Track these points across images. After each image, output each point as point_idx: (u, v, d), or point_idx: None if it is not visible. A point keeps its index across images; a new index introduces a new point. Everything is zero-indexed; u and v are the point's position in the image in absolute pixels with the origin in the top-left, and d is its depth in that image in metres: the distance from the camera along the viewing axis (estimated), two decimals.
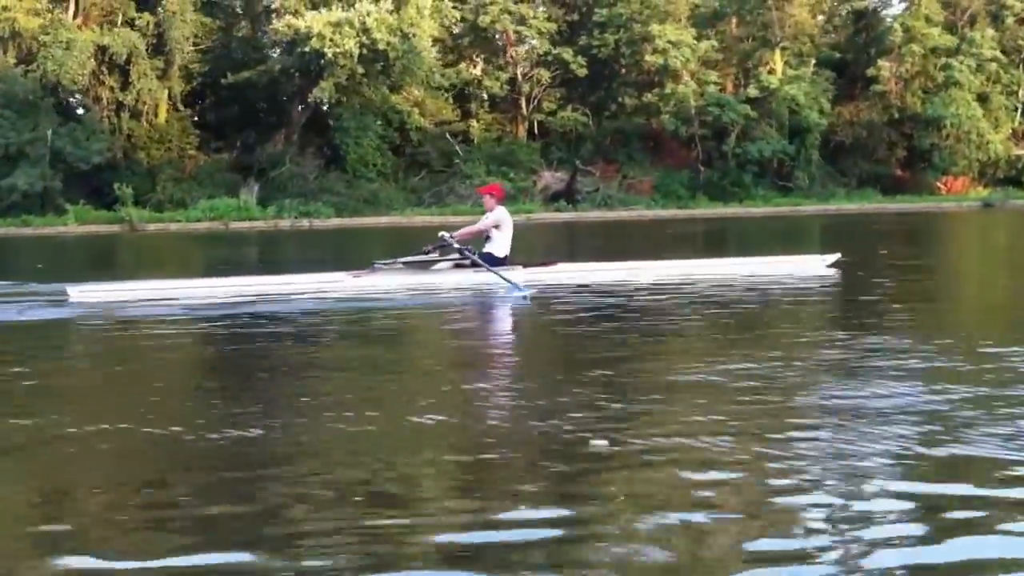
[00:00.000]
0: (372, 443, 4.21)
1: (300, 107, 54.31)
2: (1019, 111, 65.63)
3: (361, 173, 56.83)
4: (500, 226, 11.85)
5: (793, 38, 62.41)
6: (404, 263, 11.85)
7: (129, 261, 25.29)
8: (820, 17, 62.93)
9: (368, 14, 50.41)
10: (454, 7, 60.87)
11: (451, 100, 62.53)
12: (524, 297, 10.19)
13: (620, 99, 60.91)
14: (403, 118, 58.11)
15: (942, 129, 60.26)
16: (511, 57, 61.82)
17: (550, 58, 61.78)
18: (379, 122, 56.76)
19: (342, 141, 54.56)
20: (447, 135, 60.22)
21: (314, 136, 57.28)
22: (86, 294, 10.81)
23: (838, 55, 64.08)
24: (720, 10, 63.04)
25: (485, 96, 62.93)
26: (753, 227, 35.88)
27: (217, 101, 59.77)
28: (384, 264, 11.78)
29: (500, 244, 11.82)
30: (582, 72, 61.47)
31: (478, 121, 63.00)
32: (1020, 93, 65.47)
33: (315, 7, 51.79)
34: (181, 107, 58.23)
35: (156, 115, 56.32)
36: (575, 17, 63.59)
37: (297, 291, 11.11)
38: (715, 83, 60.32)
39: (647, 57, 58.70)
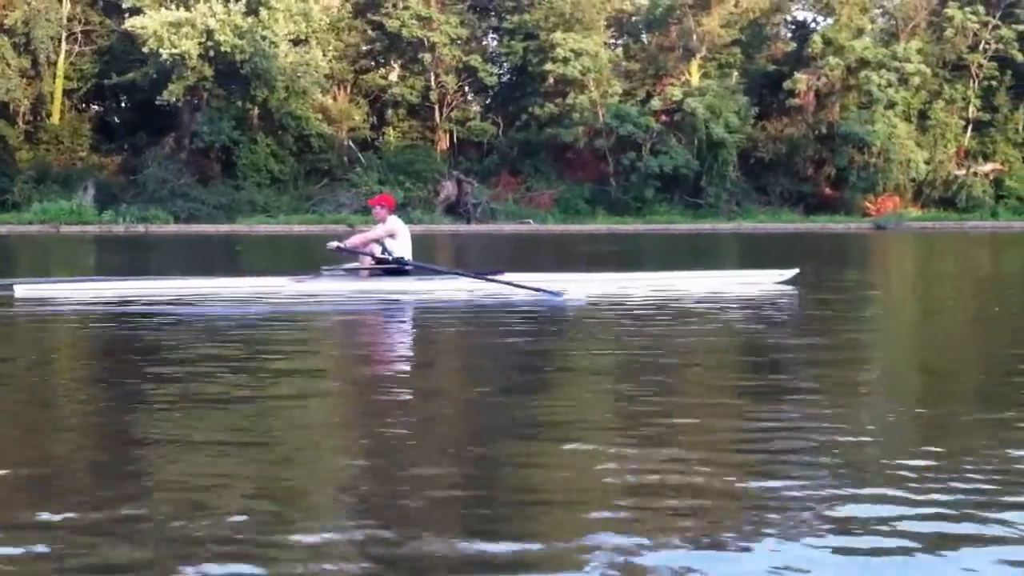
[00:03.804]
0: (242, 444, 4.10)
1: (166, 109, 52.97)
2: (968, 129, 61.58)
3: (254, 179, 55.63)
4: (395, 235, 11.57)
5: (714, 50, 59.55)
6: (346, 269, 11.80)
7: None
8: (738, 28, 59.48)
9: (212, 15, 49.04)
10: (360, 12, 59.81)
11: (366, 107, 61.01)
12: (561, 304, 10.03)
13: (530, 109, 58.56)
14: (300, 124, 56.69)
15: (862, 147, 56.66)
16: (424, 64, 60.03)
17: (460, 65, 59.92)
18: (260, 127, 55.35)
19: (207, 142, 53.10)
20: (349, 142, 58.67)
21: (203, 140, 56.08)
22: (32, 291, 10.74)
23: (772, 67, 60.90)
24: (638, 19, 60.47)
25: (404, 104, 61.16)
26: (616, 244, 33.14)
27: (116, 103, 59.19)
28: (329, 270, 11.72)
29: (401, 253, 11.55)
30: (491, 80, 59.57)
31: (393, 129, 61.44)
32: (970, 109, 61.46)
33: (162, 6, 50.53)
34: (83, 108, 57.83)
35: (49, 116, 55.89)
36: (492, 23, 61.63)
37: (236, 295, 10.79)
38: (621, 94, 57.84)
39: (547, 66, 56.43)
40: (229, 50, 50.09)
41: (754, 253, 26.74)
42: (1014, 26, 59.48)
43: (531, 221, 53.52)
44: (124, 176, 55.36)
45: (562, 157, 59.17)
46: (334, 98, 59.96)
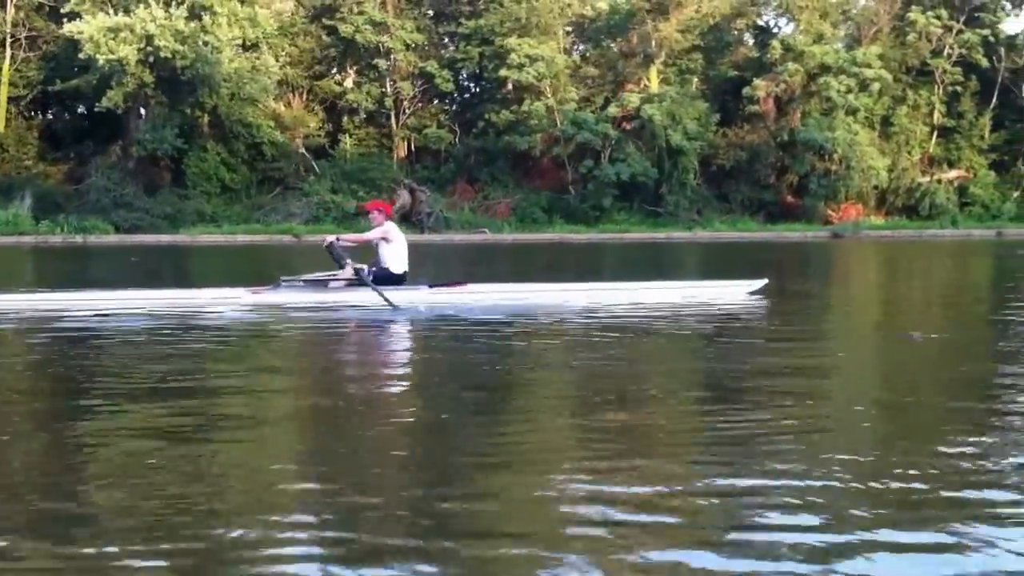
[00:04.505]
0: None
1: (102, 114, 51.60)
2: (933, 135, 60.65)
3: (203, 188, 54.45)
4: (390, 239, 11.62)
5: (673, 56, 58.53)
6: (306, 281, 11.63)
7: None
8: (698, 33, 58.47)
9: (152, 20, 47.81)
10: (315, 17, 58.71)
11: (321, 114, 59.81)
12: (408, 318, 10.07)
13: (487, 116, 57.43)
14: (252, 132, 55.50)
15: (823, 154, 55.60)
16: (379, 70, 58.85)
17: (416, 72, 58.80)
18: (211, 135, 54.15)
19: (149, 150, 51.75)
20: (303, 150, 57.48)
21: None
22: None
23: (734, 73, 59.79)
24: (599, 24, 59.41)
25: (360, 110, 59.94)
26: (566, 253, 32.34)
27: (64, 110, 57.89)
28: (288, 281, 11.59)
29: (395, 260, 11.65)
30: (448, 87, 58.46)
31: (350, 136, 60.27)
32: (935, 116, 60.53)
33: (101, 11, 49.25)
34: (30, 115, 56.53)
35: None
36: (450, 28, 60.49)
37: (190, 306, 10.79)
38: (579, 101, 56.80)
39: (502, 72, 55.35)
40: (170, 56, 48.85)
41: (705, 263, 26.32)
42: (978, 30, 58.60)
43: (487, 230, 52.42)
44: (70, 184, 54.11)
45: (521, 165, 58.09)
46: (287, 105, 58.86)
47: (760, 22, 60.70)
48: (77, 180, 54.10)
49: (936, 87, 60.25)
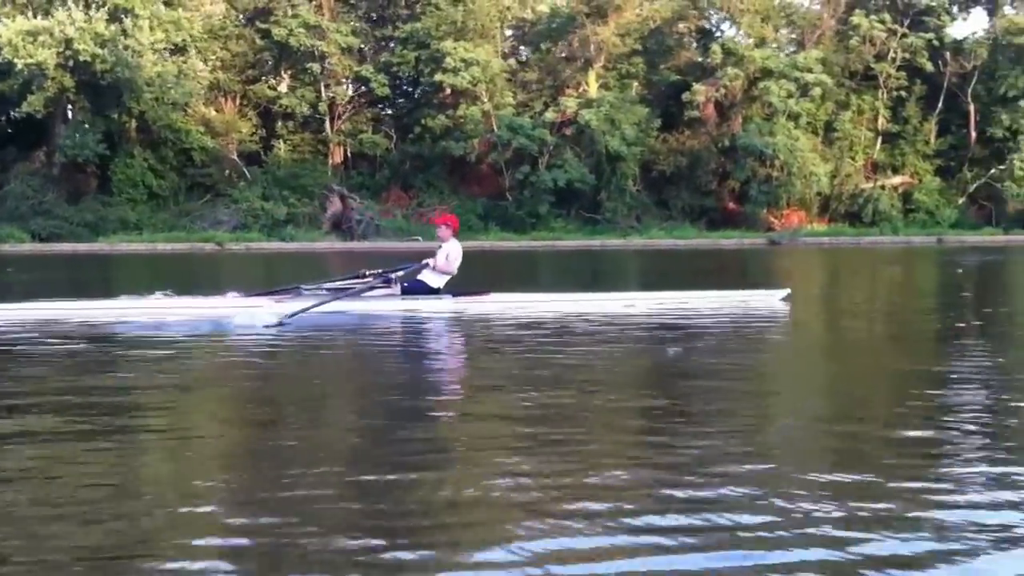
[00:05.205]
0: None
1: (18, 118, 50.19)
2: (878, 141, 59.81)
3: (128, 195, 53.04)
4: (450, 259, 11.57)
5: (613, 60, 57.50)
6: (329, 288, 11.41)
7: None
8: (637, 37, 57.45)
9: (71, 24, 46.42)
10: (250, 20, 57.47)
11: (255, 119, 58.43)
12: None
13: (423, 121, 56.25)
14: (181, 137, 54.11)
15: (764, 160, 54.66)
16: (314, 75, 57.55)
17: (351, 76, 57.58)
18: (138, 140, 52.74)
19: (69, 156, 50.30)
20: (235, 156, 56.13)
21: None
22: None
23: (677, 78, 58.68)
24: (540, 28, 58.34)
25: (296, 116, 58.59)
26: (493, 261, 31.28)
27: None
28: (309, 289, 11.35)
29: (439, 276, 11.56)
30: (383, 91, 57.22)
31: (284, 142, 58.94)
32: (879, 121, 59.69)
33: (20, 14, 47.83)
34: None
35: None
36: (386, 32, 59.25)
37: (214, 315, 10.41)
38: (517, 106, 55.72)
39: (437, 76, 54.17)
40: (89, 59, 47.45)
41: (625, 273, 25.58)
42: (923, 35, 57.84)
43: (419, 238, 50.97)
44: None
45: (458, 171, 56.94)
46: (219, 110, 57.42)
47: (704, 25, 59.60)
48: None
49: (881, 92, 59.44)
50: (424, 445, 4.51)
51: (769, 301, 12.17)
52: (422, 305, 11.13)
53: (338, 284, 11.54)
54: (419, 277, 11.50)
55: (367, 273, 11.50)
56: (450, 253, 11.52)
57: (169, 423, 5.08)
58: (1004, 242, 49.33)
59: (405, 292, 11.29)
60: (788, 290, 12.67)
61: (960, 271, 22.83)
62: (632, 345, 8.70)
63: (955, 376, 6.52)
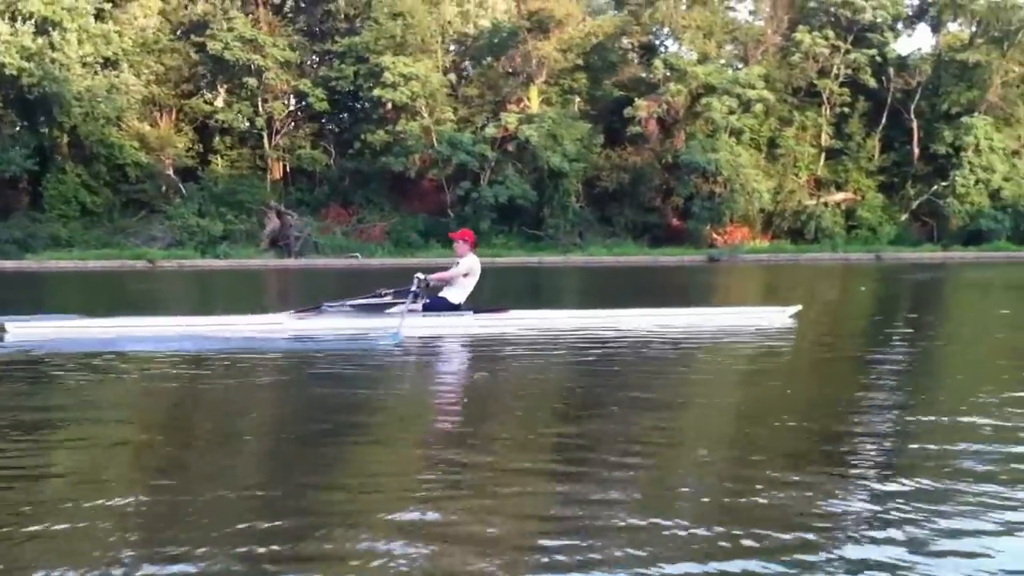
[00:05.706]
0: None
1: None
2: (821, 157, 59.60)
3: (60, 211, 51.77)
4: (468, 274, 11.63)
5: (554, 75, 56.93)
6: (352, 305, 11.59)
7: None
8: (579, 52, 56.94)
9: None
10: (185, 33, 56.40)
11: (191, 134, 57.28)
12: (397, 344, 10.08)
13: (363, 136, 55.35)
14: (114, 153, 52.91)
15: (707, 177, 54.22)
16: (251, 89, 56.49)
17: (289, 91, 56.63)
18: (70, 156, 51.48)
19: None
20: (170, 172, 54.97)
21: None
22: (23, 329, 10.81)
23: (620, 93, 58.16)
24: (481, 43, 57.69)
25: (233, 131, 57.54)
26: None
27: None
28: (333, 306, 11.57)
29: (458, 291, 11.64)
30: (322, 106, 56.27)
31: (221, 157, 57.81)
32: (822, 137, 59.49)
33: None
34: None
35: None
36: (325, 46, 58.30)
37: (234, 332, 10.83)
38: (459, 121, 55.00)
39: (375, 91, 53.34)
40: (16, 73, 46.22)
41: (560, 290, 25.43)
42: (866, 51, 57.69)
43: (358, 255, 50.31)
44: None
45: (399, 187, 56.04)
46: (154, 125, 56.24)
47: (647, 40, 59.17)
48: None
49: (824, 108, 59.25)
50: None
51: (779, 318, 12.58)
52: (443, 323, 11.33)
53: (360, 301, 11.67)
54: (442, 294, 11.64)
55: (383, 292, 11.70)
56: (472, 268, 11.64)
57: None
58: (942, 258, 49.15)
59: (427, 308, 11.43)
60: (799, 306, 13.04)
61: (863, 288, 22.78)
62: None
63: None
